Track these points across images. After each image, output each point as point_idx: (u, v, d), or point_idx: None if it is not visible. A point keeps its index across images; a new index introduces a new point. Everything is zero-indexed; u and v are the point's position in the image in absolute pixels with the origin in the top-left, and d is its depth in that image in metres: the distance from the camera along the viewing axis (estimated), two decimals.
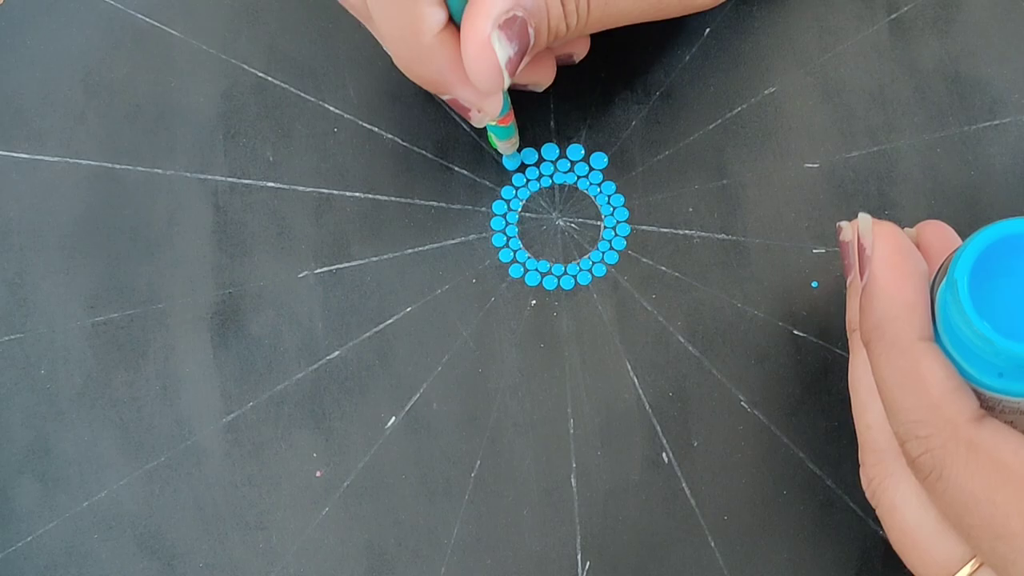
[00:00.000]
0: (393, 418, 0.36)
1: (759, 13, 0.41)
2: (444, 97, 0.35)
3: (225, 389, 0.37)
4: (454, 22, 0.33)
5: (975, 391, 0.27)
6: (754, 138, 0.39)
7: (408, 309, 0.38)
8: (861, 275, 0.29)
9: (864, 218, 0.29)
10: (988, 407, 0.27)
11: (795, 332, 0.36)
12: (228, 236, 0.39)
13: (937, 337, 0.27)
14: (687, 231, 0.38)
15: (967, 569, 0.28)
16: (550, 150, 0.40)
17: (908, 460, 0.27)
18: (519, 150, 0.39)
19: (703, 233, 0.38)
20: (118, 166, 0.40)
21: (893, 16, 0.40)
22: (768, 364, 0.36)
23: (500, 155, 0.39)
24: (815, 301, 0.36)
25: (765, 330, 0.36)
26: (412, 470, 0.36)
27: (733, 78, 0.40)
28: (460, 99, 0.34)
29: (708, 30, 0.40)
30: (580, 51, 0.38)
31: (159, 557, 0.35)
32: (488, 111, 0.35)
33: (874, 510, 0.30)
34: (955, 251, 0.26)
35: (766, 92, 0.39)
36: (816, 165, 0.38)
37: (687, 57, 0.40)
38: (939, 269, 0.28)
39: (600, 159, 0.39)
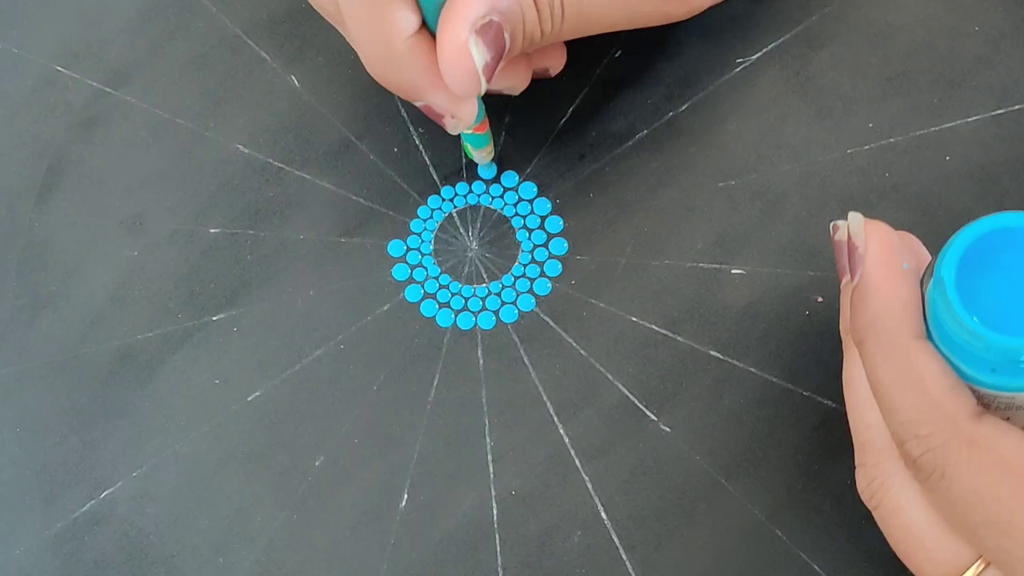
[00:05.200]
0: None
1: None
2: (418, 103, 0.34)
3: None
4: (427, 27, 0.33)
5: (969, 389, 0.27)
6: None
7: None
8: (852, 274, 0.29)
9: (856, 217, 0.29)
10: (983, 404, 0.27)
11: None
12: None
13: (928, 336, 0.27)
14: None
15: (974, 569, 0.28)
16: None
17: (907, 461, 0.27)
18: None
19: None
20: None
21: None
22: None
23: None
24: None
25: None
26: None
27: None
28: (434, 105, 0.34)
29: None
30: (556, 64, 0.38)
31: None
32: (463, 117, 0.34)
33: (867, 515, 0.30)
34: (941, 250, 0.27)
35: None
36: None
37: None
38: (926, 269, 0.28)
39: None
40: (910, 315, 0.27)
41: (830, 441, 0.35)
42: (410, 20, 0.32)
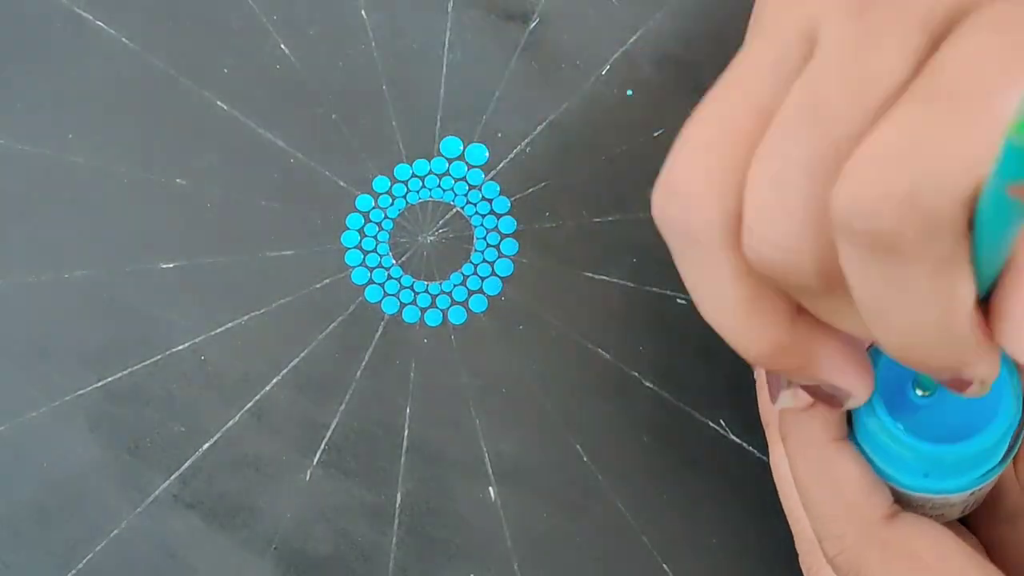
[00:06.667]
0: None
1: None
2: (943, 375, 0.26)
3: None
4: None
5: (899, 492, 0.27)
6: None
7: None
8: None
9: None
10: (917, 504, 0.27)
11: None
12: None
13: (852, 433, 0.27)
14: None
15: None
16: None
17: (826, 559, 0.28)
18: None
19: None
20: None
21: None
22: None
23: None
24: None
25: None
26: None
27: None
28: (976, 375, 0.26)
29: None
30: None
31: None
32: (991, 377, 0.27)
33: None
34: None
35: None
36: None
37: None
38: None
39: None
40: (832, 417, 0.27)
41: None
42: (972, 291, 0.25)
